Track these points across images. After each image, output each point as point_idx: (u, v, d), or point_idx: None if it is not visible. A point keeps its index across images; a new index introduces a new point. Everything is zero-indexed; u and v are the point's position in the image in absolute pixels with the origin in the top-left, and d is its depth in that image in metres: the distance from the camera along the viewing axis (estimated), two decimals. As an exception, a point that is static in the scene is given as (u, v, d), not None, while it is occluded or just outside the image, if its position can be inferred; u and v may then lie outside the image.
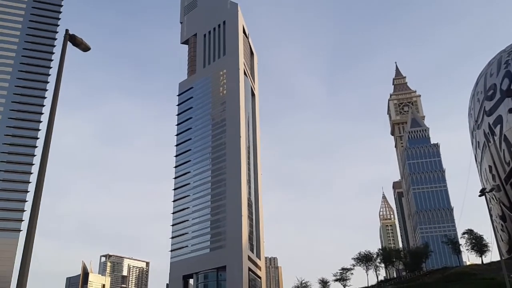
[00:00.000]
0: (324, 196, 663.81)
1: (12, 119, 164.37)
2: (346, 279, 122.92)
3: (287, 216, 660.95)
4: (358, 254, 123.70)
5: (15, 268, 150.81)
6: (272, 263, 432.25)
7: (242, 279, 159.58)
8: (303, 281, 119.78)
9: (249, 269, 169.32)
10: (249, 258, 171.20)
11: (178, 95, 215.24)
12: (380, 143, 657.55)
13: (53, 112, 16.05)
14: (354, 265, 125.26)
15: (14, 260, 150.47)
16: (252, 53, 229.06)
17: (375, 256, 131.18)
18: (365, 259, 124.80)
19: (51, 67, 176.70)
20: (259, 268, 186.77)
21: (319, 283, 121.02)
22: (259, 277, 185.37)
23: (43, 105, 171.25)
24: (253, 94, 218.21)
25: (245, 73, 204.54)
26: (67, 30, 16.92)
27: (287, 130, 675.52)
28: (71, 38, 17.03)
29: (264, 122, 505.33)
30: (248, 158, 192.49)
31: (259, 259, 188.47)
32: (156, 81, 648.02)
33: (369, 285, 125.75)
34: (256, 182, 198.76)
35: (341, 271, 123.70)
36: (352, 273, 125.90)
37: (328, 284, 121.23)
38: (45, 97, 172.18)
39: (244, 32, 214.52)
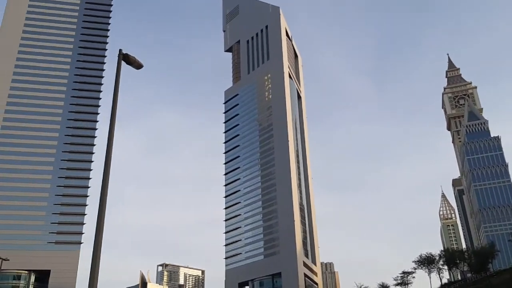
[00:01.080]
0: (379, 197, 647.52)
1: (69, 136, 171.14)
2: (407, 283, 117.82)
3: (340, 219, 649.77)
4: (419, 257, 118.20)
5: (78, 279, 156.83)
6: (328, 268, 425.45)
7: (298, 285, 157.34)
8: (362, 286, 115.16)
9: (305, 275, 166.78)
10: (304, 264, 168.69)
11: (224, 103, 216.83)
12: (436, 139, 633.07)
13: (112, 128, 15.84)
14: (415, 268, 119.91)
15: (76, 272, 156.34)
16: (296, 55, 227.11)
17: (437, 258, 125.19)
18: (426, 262, 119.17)
19: (102, 84, 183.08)
20: (315, 273, 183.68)
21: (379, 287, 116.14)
22: (316, 283, 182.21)
23: (97, 121, 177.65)
24: (299, 97, 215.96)
25: (290, 76, 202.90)
26: (120, 50, 16.71)
27: (336, 131, 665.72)
28: (124, 58, 16.70)
29: (312, 124, 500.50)
30: (298, 162, 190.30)
31: (315, 264, 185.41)
32: (202, 91, 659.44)
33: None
34: (307, 186, 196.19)
35: (401, 274, 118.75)
36: (413, 277, 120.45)
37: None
38: (98, 113, 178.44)
39: (287, 35, 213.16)
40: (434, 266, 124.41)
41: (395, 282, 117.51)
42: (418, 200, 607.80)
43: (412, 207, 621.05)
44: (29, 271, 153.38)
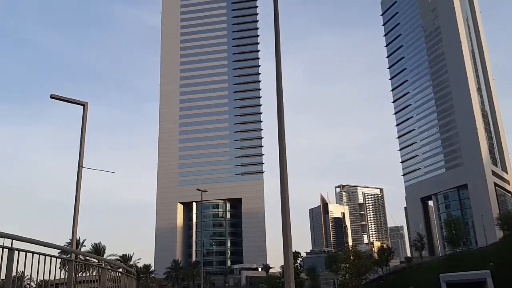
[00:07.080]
0: None
1: (236, 76, 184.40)
2: None
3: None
4: None
5: (266, 203, 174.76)
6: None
7: (488, 195, 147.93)
8: None
9: (495, 184, 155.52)
10: (493, 173, 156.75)
11: (382, 14, 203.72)
12: None
13: (279, 58, 15.93)
14: None
15: (263, 197, 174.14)
16: None
17: None
18: None
19: (257, 13, 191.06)
20: (507, 182, 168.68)
21: None
22: (509, 192, 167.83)
23: (259, 58, 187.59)
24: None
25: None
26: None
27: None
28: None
29: (486, 17, 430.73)
30: (474, 63, 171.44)
31: (506, 172, 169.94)
32: (356, 6, 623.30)
33: None
34: (488, 89, 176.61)
35: None
36: None
37: None
38: (258, 50, 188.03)
39: None
40: None
41: None
42: None
43: None
44: (224, 200, 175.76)
